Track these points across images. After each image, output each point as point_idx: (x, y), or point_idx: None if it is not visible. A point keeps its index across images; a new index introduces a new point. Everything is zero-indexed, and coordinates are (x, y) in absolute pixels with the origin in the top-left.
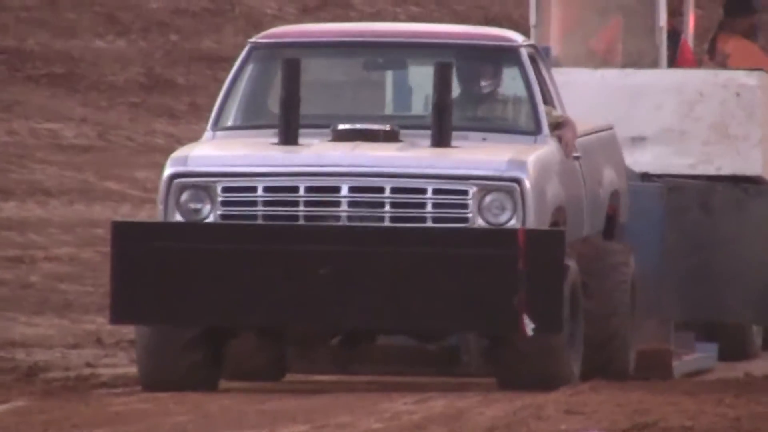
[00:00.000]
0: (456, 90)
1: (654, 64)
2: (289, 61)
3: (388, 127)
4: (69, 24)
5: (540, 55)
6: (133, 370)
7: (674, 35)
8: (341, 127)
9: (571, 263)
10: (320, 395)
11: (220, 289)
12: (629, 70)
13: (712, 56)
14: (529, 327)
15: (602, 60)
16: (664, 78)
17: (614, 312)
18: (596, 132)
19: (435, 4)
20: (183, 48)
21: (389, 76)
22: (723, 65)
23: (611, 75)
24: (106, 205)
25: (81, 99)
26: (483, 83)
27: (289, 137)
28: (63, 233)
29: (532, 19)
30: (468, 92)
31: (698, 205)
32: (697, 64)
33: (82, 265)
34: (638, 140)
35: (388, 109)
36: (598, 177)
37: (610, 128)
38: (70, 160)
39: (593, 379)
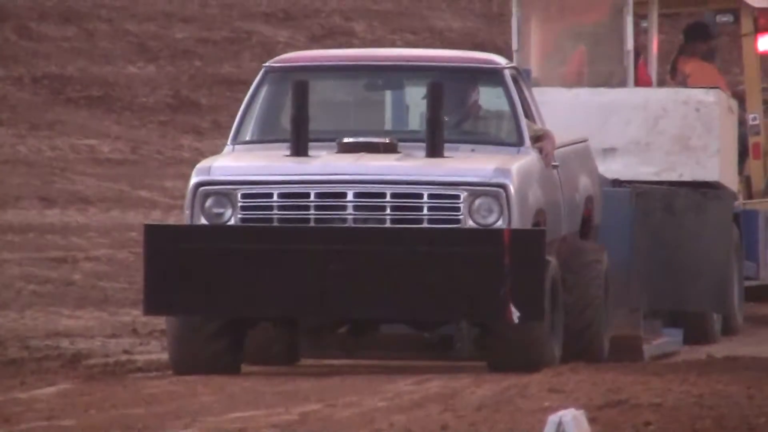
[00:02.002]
0: (448, 107)
1: (622, 83)
2: (298, 82)
3: (387, 140)
4: (104, 52)
5: (521, 76)
6: (164, 356)
7: (636, 54)
8: (346, 140)
9: (551, 259)
10: (330, 377)
11: (240, 284)
12: (601, 89)
13: (673, 76)
14: (515, 316)
15: (574, 82)
16: (631, 96)
17: (590, 304)
18: (572, 144)
19: (428, 31)
20: (206, 72)
21: (388, 95)
22: (683, 84)
23: (585, 94)
24: (138, 212)
25: (116, 118)
26: (470, 101)
27: (299, 149)
28: (101, 236)
29: (515, 45)
30: (458, 109)
31: (663, 207)
32: (651, 81)
33: (118, 264)
34: (609, 151)
35: (388, 125)
36: (574, 183)
37: (585, 141)
38: (107, 172)
39: (572, 362)
